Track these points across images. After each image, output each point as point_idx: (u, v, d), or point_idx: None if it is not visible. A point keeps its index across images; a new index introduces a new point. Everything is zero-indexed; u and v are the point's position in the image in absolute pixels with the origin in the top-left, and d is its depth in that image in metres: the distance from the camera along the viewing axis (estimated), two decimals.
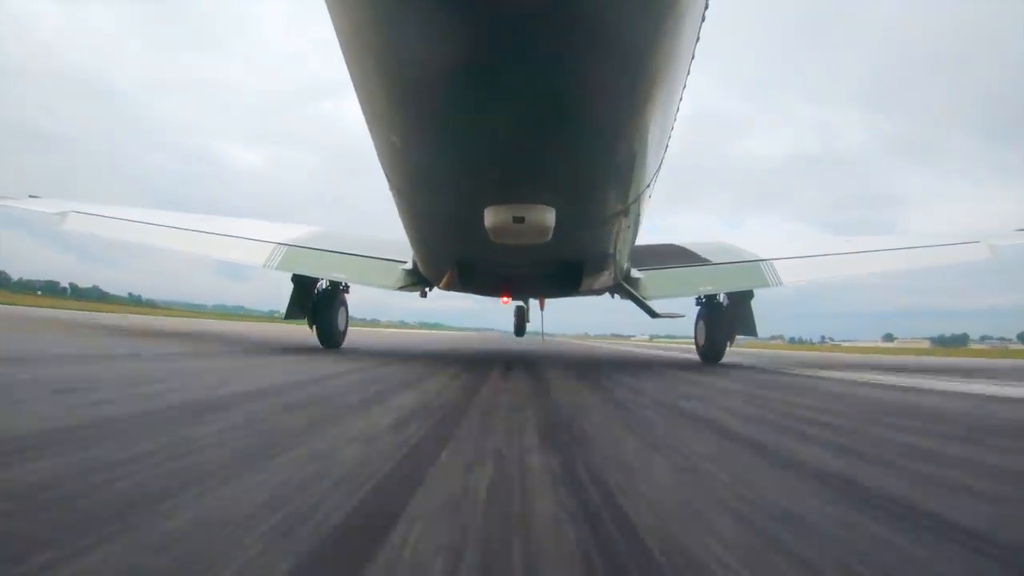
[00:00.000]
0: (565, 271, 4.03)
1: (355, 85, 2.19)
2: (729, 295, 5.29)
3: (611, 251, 3.89)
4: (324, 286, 5.24)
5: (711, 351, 5.41)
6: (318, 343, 5.20)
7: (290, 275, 5.15)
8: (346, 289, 5.42)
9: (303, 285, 5.19)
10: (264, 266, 4.98)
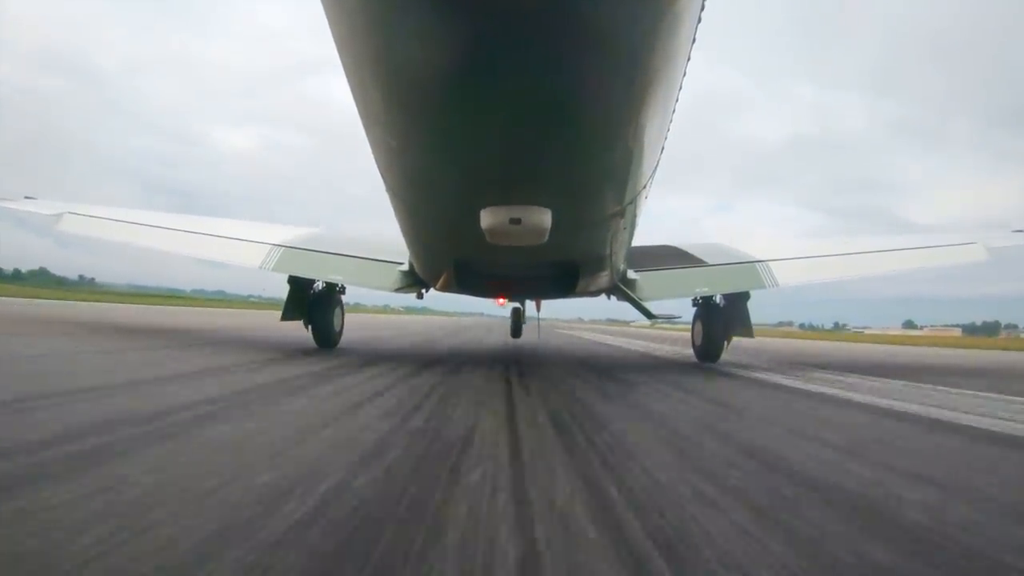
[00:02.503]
0: (561, 273, 4.15)
1: (352, 90, 2.28)
2: (725, 296, 5.45)
3: (607, 253, 4.01)
4: (320, 287, 5.42)
5: (708, 352, 5.60)
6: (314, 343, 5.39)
7: (286, 277, 5.33)
8: (342, 290, 5.61)
9: (299, 286, 5.37)
10: (260, 268, 5.15)
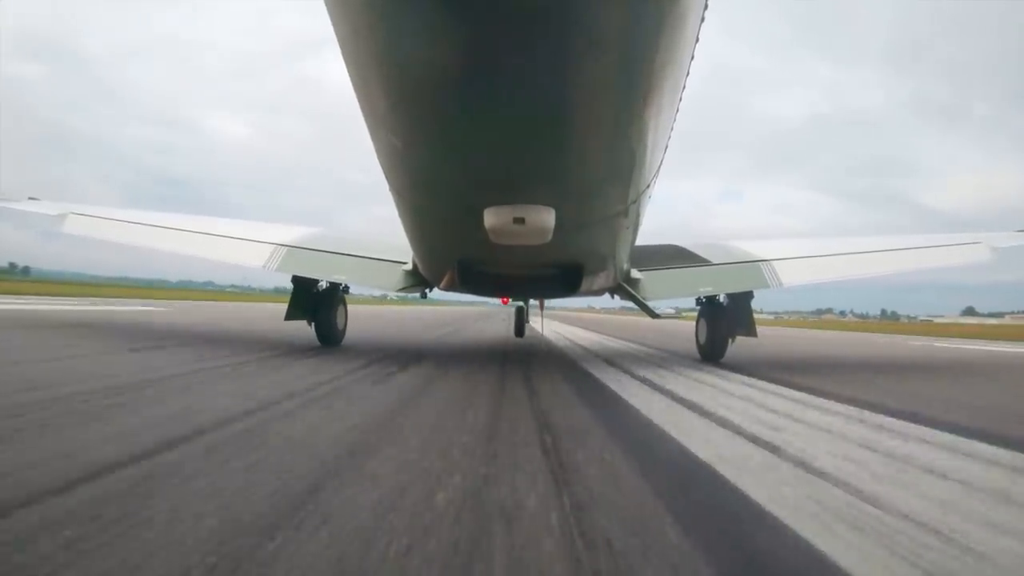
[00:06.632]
0: (565, 272, 4.25)
1: (355, 89, 2.37)
2: (729, 295, 5.55)
3: (611, 252, 4.13)
4: (323, 286, 5.57)
5: (711, 350, 5.70)
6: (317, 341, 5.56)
7: (290, 277, 5.49)
8: (346, 290, 5.76)
9: (303, 286, 5.53)
10: (263, 268, 5.30)
